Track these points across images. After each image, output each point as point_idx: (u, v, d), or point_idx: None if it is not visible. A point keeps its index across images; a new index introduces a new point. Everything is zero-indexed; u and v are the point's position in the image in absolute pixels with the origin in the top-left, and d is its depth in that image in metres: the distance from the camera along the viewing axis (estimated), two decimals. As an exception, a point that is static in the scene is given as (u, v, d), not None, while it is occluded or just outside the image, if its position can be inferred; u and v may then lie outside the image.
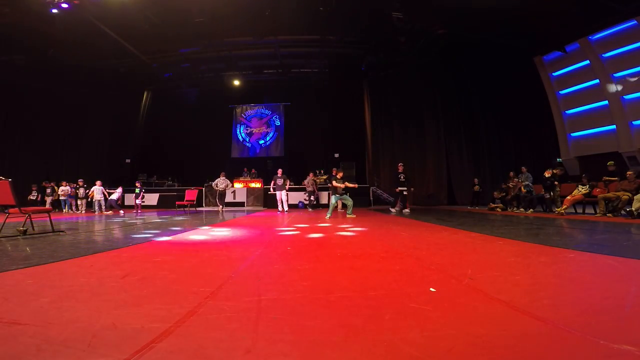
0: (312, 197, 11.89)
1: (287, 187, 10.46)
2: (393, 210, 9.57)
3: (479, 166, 13.55)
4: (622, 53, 9.82)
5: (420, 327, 1.26)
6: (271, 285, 1.91)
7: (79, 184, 11.58)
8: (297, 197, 12.92)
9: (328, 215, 7.19)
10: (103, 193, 10.71)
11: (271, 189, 10.88)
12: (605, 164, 7.92)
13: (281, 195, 10.33)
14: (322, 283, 1.97)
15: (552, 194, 8.31)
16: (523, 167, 9.64)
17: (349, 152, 14.97)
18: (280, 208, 10.41)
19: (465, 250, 2.99)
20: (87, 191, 11.36)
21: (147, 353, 1.08)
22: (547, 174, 8.42)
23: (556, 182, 8.30)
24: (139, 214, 10.17)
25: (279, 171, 10.61)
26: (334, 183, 7.54)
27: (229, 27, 11.14)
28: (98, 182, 10.72)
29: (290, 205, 10.75)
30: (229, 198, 13.54)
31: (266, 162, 15.69)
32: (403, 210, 9.20)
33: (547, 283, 1.90)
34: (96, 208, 10.63)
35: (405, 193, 9.49)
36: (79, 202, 11.60)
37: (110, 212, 10.53)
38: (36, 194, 12.07)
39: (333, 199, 7.50)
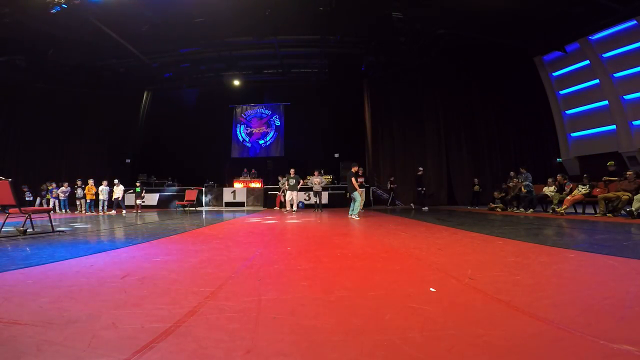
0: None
1: (298, 187, 10.58)
2: (425, 208, 11.05)
3: (479, 166, 13.54)
4: (622, 53, 9.83)
5: (420, 327, 1.26)
6: (271, 285, 1.91)
7: (61, 185, 11.46)
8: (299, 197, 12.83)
9: (356, 213, 7.36)
10: (108, 193, 10.86)
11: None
12: (605, 164, 7.91)
13: (292, 195, 10.46)
14: (322, 283, 1.97)
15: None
16: (522, 168, 9.62)
17: (349, 152, 14.96)
18: (288, 207, 10.58)
19: (465, 250, 2.99)
20: (81, 192, 11.33)
21: (147, 353, 1.08)
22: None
23: (565, 181, 8.22)
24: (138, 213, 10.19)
25: (292, 171, 10.65)
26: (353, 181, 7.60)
27: (229, 27, 11.12)
28: (104, 182, 10.92)
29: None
30: (228, 198, 13.54)
31: (266, 162, 15.70)
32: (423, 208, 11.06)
33: (547, 283, 1.90)
34: (99, 208, 10.81)
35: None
36: (54, 201, 11.35)
37: (114, 212, 10.60)
38: (31, 195, 12.01)
39: (358, 196, 7.51)
